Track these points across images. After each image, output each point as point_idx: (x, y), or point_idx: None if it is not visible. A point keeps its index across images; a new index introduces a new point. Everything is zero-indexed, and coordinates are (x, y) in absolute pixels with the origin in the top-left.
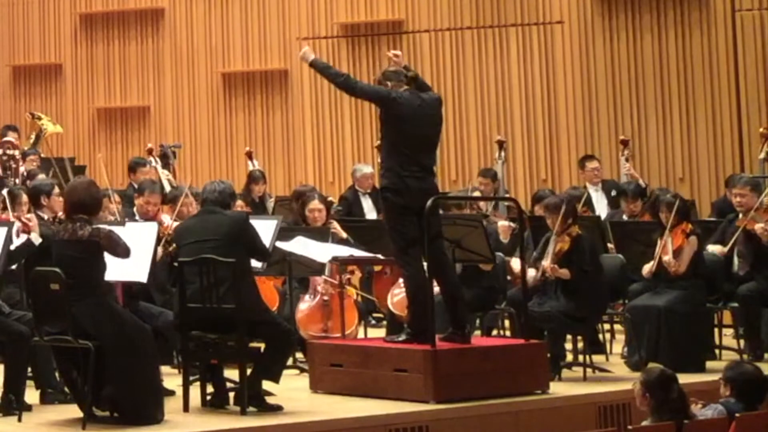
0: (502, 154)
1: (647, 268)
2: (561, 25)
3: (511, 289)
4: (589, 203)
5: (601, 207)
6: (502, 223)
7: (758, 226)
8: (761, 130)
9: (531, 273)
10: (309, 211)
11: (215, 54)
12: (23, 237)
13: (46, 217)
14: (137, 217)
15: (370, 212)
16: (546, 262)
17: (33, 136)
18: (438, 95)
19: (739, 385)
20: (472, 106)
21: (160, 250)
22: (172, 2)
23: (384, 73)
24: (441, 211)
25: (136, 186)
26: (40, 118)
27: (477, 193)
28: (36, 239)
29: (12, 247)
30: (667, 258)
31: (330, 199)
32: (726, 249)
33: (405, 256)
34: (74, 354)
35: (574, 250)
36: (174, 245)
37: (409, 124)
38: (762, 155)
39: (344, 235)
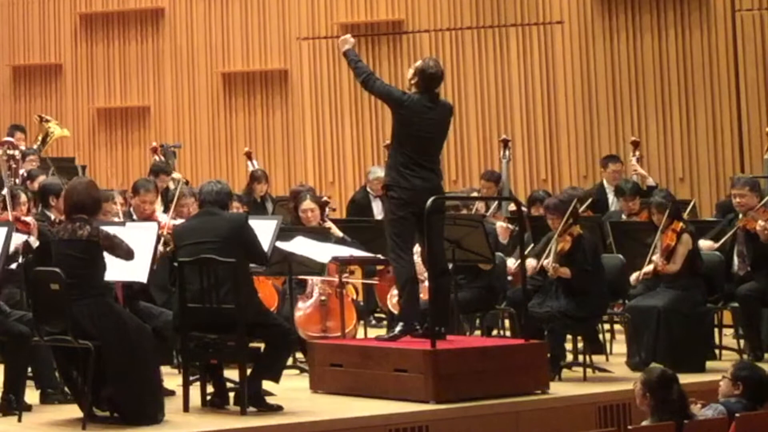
0: (507, 153)
1: (635, 277)
2: (561, 25)
3: (511, 289)
4: (605, 203)
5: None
6: (500, 224)
7: (759, 224)
8: (767, 129)
9: (530, 262)
10: (302, 211)
11: (215, 54)
12: (21, 237)
13: (53, 217)
14: (134, 217)
15: (380, 215)
16: (548, 262)
17: (39, 139)
18: (449, 104)
19: (753, 385)
20: (472, 106)
21: (159, 248)
22: (172, 2)
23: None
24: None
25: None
26: (48, 121)
27: (476, 194)
28: (34, 242)
29: (10, 250)
30: (655, 258)
31: (325, 198)
32: (716, 245)
33: (398, 250)
34: (74, 354)
35: (575, 250)
36: (171, 245)
37: (413, 126)
38: (767, 155)
39: (340, 234)
